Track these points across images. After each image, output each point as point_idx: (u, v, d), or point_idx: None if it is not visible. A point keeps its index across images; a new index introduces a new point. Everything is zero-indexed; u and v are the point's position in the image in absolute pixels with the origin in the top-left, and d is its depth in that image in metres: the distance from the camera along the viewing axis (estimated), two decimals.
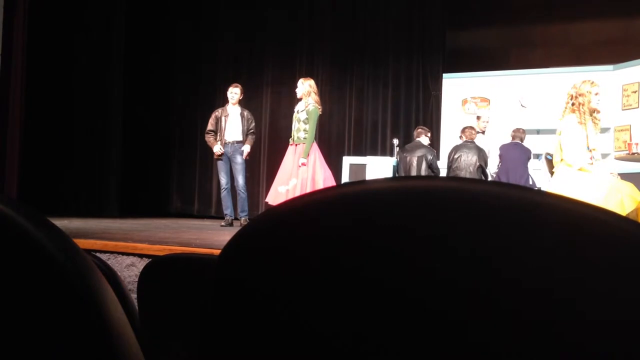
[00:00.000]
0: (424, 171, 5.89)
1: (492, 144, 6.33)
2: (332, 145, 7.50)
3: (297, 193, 5.02)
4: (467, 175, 5.54)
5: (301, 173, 5.25)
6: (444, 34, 7.49)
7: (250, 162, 6.38)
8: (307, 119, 5.32)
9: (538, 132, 6.90)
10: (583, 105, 3.61)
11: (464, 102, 7.60)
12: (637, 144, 4.96)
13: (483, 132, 6.39)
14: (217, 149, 5.80)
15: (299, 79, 5.72)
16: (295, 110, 5.52)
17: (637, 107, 6.68)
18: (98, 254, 2.89)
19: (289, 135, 5.55)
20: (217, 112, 5.92)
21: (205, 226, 6.05)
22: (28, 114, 6.36)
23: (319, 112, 5.41)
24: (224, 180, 5.87)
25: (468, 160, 5.77)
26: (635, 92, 6.71)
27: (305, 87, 5.44)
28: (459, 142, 6.09)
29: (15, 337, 0.38)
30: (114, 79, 7.41)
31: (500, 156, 6.05)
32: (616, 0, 7.01)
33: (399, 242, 0.31)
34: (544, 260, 0.28)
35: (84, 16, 7.22)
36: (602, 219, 0.29)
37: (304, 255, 0.34)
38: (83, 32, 7.23)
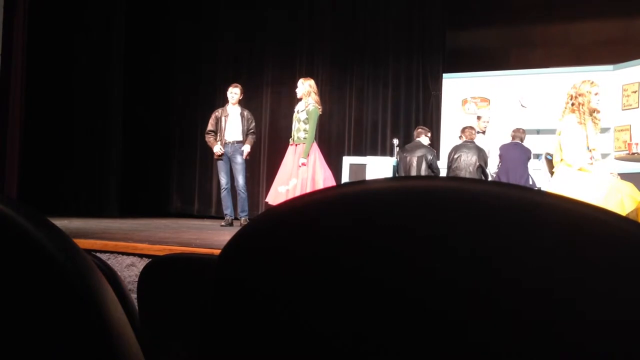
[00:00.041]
0: (424, 171, 5.89)
1: (492, 144, 6.33)
2: (332, 145, 7.50)
3: (297, 193, 5.02)
4: (467, 175, 5.54)
5: (301, 173, 5.25)
6: (444, 34, 7.49)
7: (250, 162, 6.38)
8: (307, 119, 5.32)
9: (538, 132, 6.91)
10: (583, 105, 3.61)
11: (464, 102, 7.60)
12: (637, 144, 4.96)
13: (483, 132, 6.40)
14: (217, 149, 5.80)
15: (299, 79, 5.72)
16: (295, 110, 5.52)
17: (637, 107, 6.68)
18: (98, 254, 2.89)
19: (289, 135, 5.55)
20: (217, 112, 5.92)
21: (205, 226, 6.05)
22: (28, 114, 6.36)
23: (319, 112, 5.41)
24: (224, 180, 5.87)
25: (468, 160, 5.77)
26: (635, 92, 6.71)
27: (305, 87, 5.44)
28: (459, 142, 6.09)
29: (16, 337, 0.38)
30: (114, 79, 7.41)
31: (500, 156, 6.05)
32: (616, 0, 7.01)
33: (399, 242, 0.31)
34: (544, 260, 0.29)
35: (84, 16, 7.22)
36: (602, 219, 0.29)
37: (304, 255, 0.34)
38: (83, 32, 7.23)
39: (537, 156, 5.65)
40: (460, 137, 6.13)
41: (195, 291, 0.84)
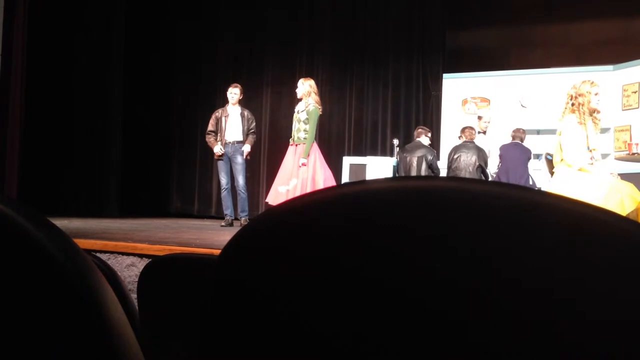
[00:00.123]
0: (424, 171, 5.89)
1: (492, 144, 6.33)
2: (332, 145, 7.50)
3: (298, 193, 5.02)
4: (467, 175, 5.54)
5: (301, 173, 5.25)
6: (444, 34, 7.49)
7: (251, 162, 6.38)
8: (307, 119, 5.32)
9: (538, 132, 6.91)
10: (583, 105, 3.61)
11: (464, 102, 7.60)
12: (637, 144, 4.96)
13: (484, 132, 6.40)
14: (218, 149, 5.80)
15: (299, 79, 5.72)
16: (296, 110, 5.52)
17: (637, 108, 6.68)
18: (98, 254, 2.89)
19: (289, 135, 5.55)
20: (217, 113, 5.92)
21: (205, 226, 6.05)
22: (28, 114, 6.36)
23: (319, 112, 5.41)
24: (224, 180, 5.88)
25: (467, 160, 5.77)
26: (635, 92, 6.71)
27: (306, 87, 5.44)
28: (459, 142, 6.09)
29: (16, 337, 0.38)
30: (114, 79, 7.41)
31: (501, 156, 6.05)
32: (616, 0, 7.01)
33: (399, 242, 0.31)
34: (544, 260, 0.29)
35: (84, 16, 7.22)
36: (602, 219, 0.29)
37: (304, 255, 0.34)
38: (83, 32, 7.23)
39: (537, 156, 5.65)
40: (460, 137, 6.13)
41: (195, 291, 0.84)
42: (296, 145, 5.37)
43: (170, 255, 0.97)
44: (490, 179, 5.97)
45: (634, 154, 4.76)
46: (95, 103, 7.29)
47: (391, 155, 6.77)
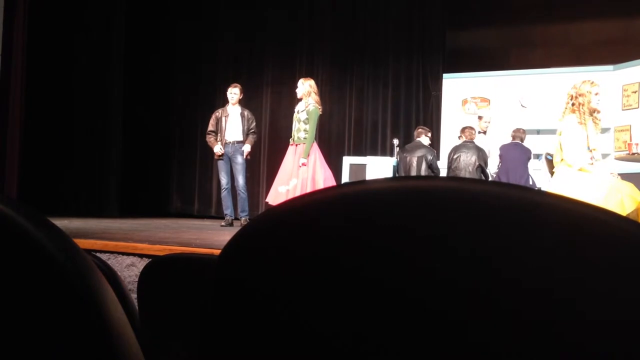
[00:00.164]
0: (424, 171, 5.89)
1: (492, 144, 6.33)
2: (332, 145, 7.50)
3: (298, 193, 5.02)
4: (467, 175, 5.54)
5: (301, 173, 5.25)
6: (444, 34, 7.49)
7: (251, 162, 6.38)
8: (307, 119, 5.32)
9: (538, 132, 6.91)
10: (583, 105, 3.61)
11: (464, 102, 7.60)
12: (637, 144, 4.97)
13: (485, 132, 6.40)
14: (218, 149, 5.80)
15: (299, 79, 5.72)
16: (296, 110, 5.52)
17: (637, 107, 6.68)
18: (98, 254, 2.89)
19: (289, 135, 5.55)
20: (218, 113, 5.92)
21: (205, 226, 6.05)
22: (28, 114, 6.36)
23: (320, 112, 5.41)
24: (224, 180, 5.88)
25: (467, 160, 5.77)
26: (635, 92, 6.71)
27: (306, 87, 5.44)
28: (459, 142, 6.09)
29: (16, 337, 0.38)
30: (114, 79, 7.41)
31: (501, 156, 6.05)
32: (616, 0, 7.01)
33: (399, 242, 0.31)
34: (544, 260, 0.29)
35: (84, 16, 7.22)
36: (602, 219, 0.29)
37: (304, 255, 0.34)
38: (83, 32, 7.23)
39: (537, 156, 5.65)
40: (460, 137, 6.13)
41: (195, 291, 0.84)
42: (296, 145, 5.37)
43: (170, 255, 0.97)
44: (490, 179, 5.97)
45: (634, 154, 4.76)
46: (95, 103, 7.29)
47: (391, 155, 6.77)
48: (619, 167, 5.00)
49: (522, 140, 6.08)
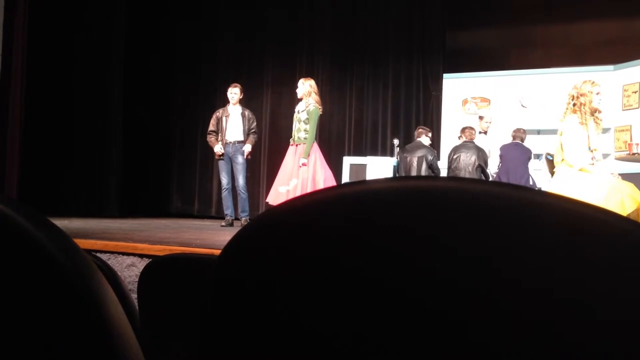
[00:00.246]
0: (424, 171, 5.89)
1: (492, 144, 6.33)
2: (332, 145, 7.50)
3: (298, 193, 5.02)
4: (467, 175, 5.54)
5: (301, 173, 5.24)
6: (444, 34, 7.49)
7: (251, 162, 6.38)
8: (307, 119, 5.32)
9: (538, 132, 6.91)
10: (584, 105, 3.61)
11: (464, 102, 7.60)
12: (637, 144, 4.96)
13: (485, 132, 6.40)
14: (218, 149, 5.81)
15: (299, 79, 5.72)
16: (296, 110, 5.51)
17: (638, 108, 6.68)
18: (98, 254, 2.90)
19: (290, 135, 5.55)
20: (218, 113, 5.92)
21: (205, 226, 6.05)
22: (28, 114, 6.36)
23: (320, 112, 5.41)
24: (224, 180, 5.88)
25: (467, 160, 5.77)
26: (635, 92, 6.71)
27: (306, 87, 5.44)
28: (459, 142, 6.09)
29: (16, 337, 0.38)
30: (114, 79, 7.41)
31: (501, 156, 6.06)
32: (616, 0, 7.01)
33: (399, 242, 0.31)
34: (544, 260, 0.28)
35: (84, 16, 7.22)
36: (602, 219, 0.29)
37: (304, 255, 0.34)
38: (83, 32, 7.23)
39: (538, 156, 5.65)
40: (460, 137, 6.13)
41: (195, 291, 0.84)
42: (296, 145, 5.37)
43: (170, 255, 0.97)
44: (490, 179, 5.97)
45: (634, 154, 4.76)
46: (95, 103, 7.28)
47: (391, 155, 6.77)
48: (620, 167, 5.01)
49: (522, 140, 6.08)
